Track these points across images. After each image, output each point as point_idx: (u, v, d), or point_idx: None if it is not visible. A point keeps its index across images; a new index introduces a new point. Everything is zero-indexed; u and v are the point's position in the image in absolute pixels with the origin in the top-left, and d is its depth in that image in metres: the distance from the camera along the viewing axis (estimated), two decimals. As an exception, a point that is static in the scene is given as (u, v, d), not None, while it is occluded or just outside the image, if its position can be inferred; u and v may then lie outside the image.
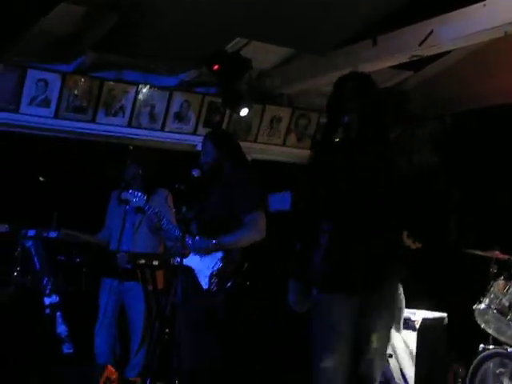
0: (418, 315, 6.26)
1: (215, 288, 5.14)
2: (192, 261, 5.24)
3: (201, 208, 5.30)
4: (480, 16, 5.52)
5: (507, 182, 7.40)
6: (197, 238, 5.23)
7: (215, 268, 5.18)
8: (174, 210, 5.89)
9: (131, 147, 6.96)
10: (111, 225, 6.29)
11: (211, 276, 5.17)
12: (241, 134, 7.73)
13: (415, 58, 6.33)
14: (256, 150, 7.95)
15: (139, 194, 5.60)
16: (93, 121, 6.94)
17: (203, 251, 5.16)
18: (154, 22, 6.17)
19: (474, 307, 6.02)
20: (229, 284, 5.14)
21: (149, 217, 5.59)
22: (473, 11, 5.60)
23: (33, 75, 6.50)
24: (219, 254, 5.18)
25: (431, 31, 5.87)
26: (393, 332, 6.22)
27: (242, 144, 7.37)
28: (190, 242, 5.19)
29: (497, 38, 5.87)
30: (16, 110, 6.57)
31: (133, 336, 6.18)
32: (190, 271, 5.21)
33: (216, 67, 6.76)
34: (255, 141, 7.92)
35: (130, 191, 5.65)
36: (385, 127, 4.12)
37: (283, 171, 8.50)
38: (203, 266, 5.21)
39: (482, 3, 5.48)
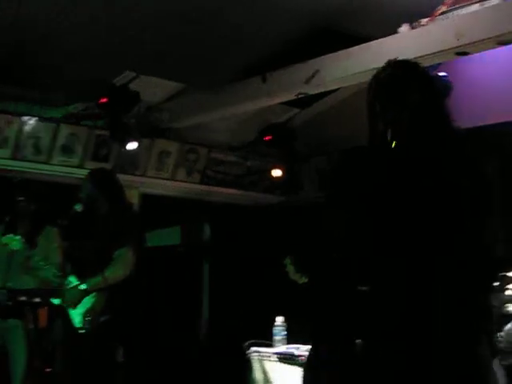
0: (303, 350, 6.29)
1: (88, 326, 5.11)
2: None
3: (78, 244, 5.29)
4: (363, 57, 5.68)
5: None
6: (71, 279, 5.23)
7: (88, 306, 5.15)
8: (58, 247, 5.79)
9: (16, 180, 6.77)
10: None
11: (84, 314, 5.14)
12: (129, 167, 7.66)
13: (302, 96, 6.43)
14: (144, 184, 7.89)
15: (17, 237, 5.53)
16: (-26, 152, 6.75)
17: (74, 302, 5.16)
18: (41, 54, 6.07)
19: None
20: (102, 320, 5.11)
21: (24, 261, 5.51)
22: (357, 52, 5.77)
23: None
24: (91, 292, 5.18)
25: (317, 70, 6.00)
26: (279, 367, 6.27)
27: (130, 178, 7.40)
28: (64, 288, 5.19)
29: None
30: None
31: (14, 375, 5.98)
32: (64, 310, 5.16)
33: (104, 100, 6.71)
34: (144, 175, 7.86)
35: (8, 236, 5.58)
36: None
37: (172, 206, 8.47)
38: None
39: (366, 44, 5.66)
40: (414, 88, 3.01)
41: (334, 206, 3.40)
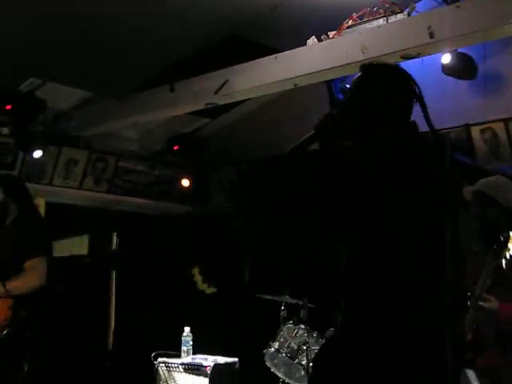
0: (210, 360, 6.29)
1: None
2: None
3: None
4: (272, 68, 5.74)
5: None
6: None
7: None
8: None
9: None
10: None
11: None
12: (34, 176, 7.50)
13: (211, 106, 6.45)
14: (51, 192, 7.74)
15: None
16: None
17: None
18: None
19: (264, 351, 6.14)
20: (4, 333, 4.97)
21: None
22: (265, 63, 5.82)
23: None
24: None
25: (226, 80, 6.02)
26: (186, 378, 6.25)
27: (36, 187, 7.26)
28: None
29: (289, 89, 6.12)
30: None
31: None
32: None
33: (8, 107, 6.56)
34: (50, 183, 7.71)
35: None
36: None
37: (79, 215, 8.35)
38: None
39: (274, 56, 5.72)
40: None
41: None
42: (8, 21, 5.57)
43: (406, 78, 3.00)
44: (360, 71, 3.05)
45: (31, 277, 5.08)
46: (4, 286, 4.99)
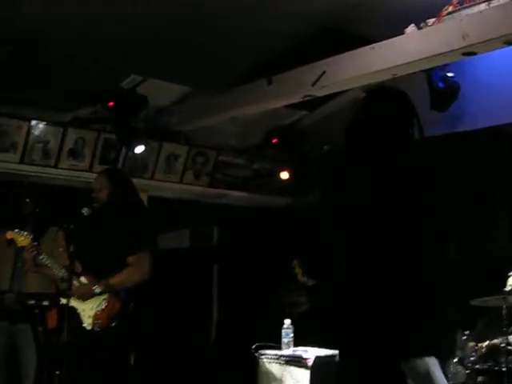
0: (311, 353, 6.28)
1: (99, 329, 5.09)
2: (76, 301, 5.17)
3: (87, 247, 5.26)
4: (369, 58, 5.67)
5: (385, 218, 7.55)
6: (82, 280, 5.21)
7: (99, 308, 5.13)
8: (62, 249, 5.79)
9: (26, 184, 6.80)
10: (2, 260, 6.11)
11: (94, 316, 5.12)
12: (137, 171, 7.67)
13: (308, 98, 6.43)
14: (153, 187, 7.89)
15: (25, 233, 5.51)
16: (-17, 157, 6.77)
17: (84, 297, 5.14)
18: (48, 58, 6.09)
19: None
20: (113, 324, 5.09)
21: (28, 255, 5.47)
22: (363, 53, 5.75)
23: None
24: (103, 294, 5.15)
25: (323, 72, 5.99)
26: (286, 370, 6.26)
27: (139, 181, 7.41)
28: (76, 284, 5.15)
29: (386, 79, 6.03)
30: None
31: (24, 379, 5.99)
32: (73, 311, 5.14)
33: (111, 104, 6.72)
34: (152, 178, 7.87)
35: (16, 230, 5.55)
36: None
37: (180, 208, 8.47)
38: (87, 307, 5.17)
39: (371, 46, 5.64)
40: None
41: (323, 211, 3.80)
42: (109, 20, 5.70)
43: (404, 98, 3.66)
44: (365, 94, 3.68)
45: (135, 272, 5.19)
46: (108, 281, 5.13)
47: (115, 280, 5.15)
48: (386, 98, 3.67)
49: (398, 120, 3.57)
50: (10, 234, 5.62)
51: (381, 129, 3.51)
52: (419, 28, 5.48)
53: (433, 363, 3.37)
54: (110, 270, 5.17)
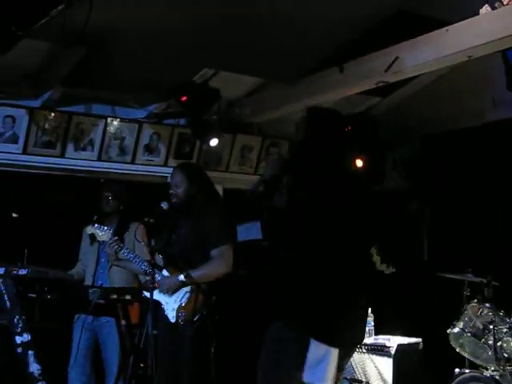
0: (393, 341, 6.24)
1: (183, 322, 5.13)
2: (159, 294, 5.23)
3: (169, 241, 5.30)
4: (443, 41, 5.57)
5: (477, 203, 7.45)
6: (164, 273, 5.26)
7: (183, 301, 5.17)
8: (144, 243, 5.86)
9: (102, 180, 6.92)
10: (85, 260, 6.24)
11: (178, 309, 5.16)
12: (212, 163, 7.73)
13: (381, 85, 6.35)
14: (227, 179, 7.93)
15: (105, 228, 5.61)
16: (62, 155, 6.90)
17: (170, 289, 5.18)
18: (121, 55, 6.17)
19: (448, 331, 6.01)
20: (197, 317, 5.12)
21: (110, 250, 5.55)
22: (436, 37, 5.65)
23: (0, 112, 6.48)
24: (187, 287, 5.18)
25: (396, 57, 5.90)
26: (368, 359, 6.23)
27: (213, 174, 7.44)
28: (158, 277, 5.20)
29: (462, 62, 5.92)
30: (-17, 147, 6.55)
31: (108, 373, 6.10)
32: (157, 305, 5.20)
33: (184, 98, 6.77)
34: (226, 170, 7.92)
35: (96, 225, 5.65)
36: None
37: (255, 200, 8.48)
38: (170, 300, 5.22)
39: (445, 28, 5.54)
40: None
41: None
42: (179, 15, 5.73)
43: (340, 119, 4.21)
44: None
45: (219, 264, 5.21)
46: (184, 277, 5.17)
47: (199, 273, 5.18)
48: (323, 118, 4.11)
49: (334, 138, 4.02)
50: (90, 230, 5.73)
51: (320, 147, 3.96)
52: (493, 8, 5.35)
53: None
54: (193, 264, 5.20)
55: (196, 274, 5.15)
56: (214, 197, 5.55)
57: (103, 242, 5.68)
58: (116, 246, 5.44)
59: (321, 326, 3.72)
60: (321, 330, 3.71)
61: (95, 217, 5.94)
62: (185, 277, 5.15)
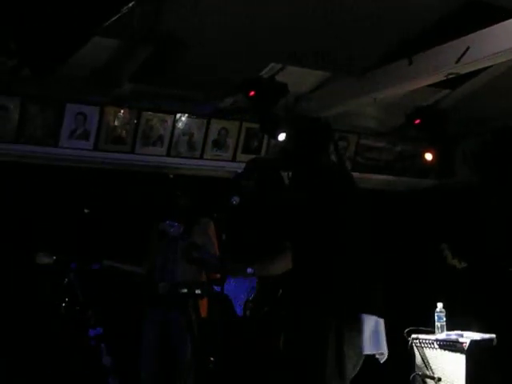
0: (466, 337, 6.14)
1: (250, 315, 5.16)
2: (227, 288, 5.25)
3: (240, 236, 5.32)
4: (516, 31, 5.46)
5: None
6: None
7: (250, 295, 5.20)
8: (215, 238, 5.90)
9: (171, 176, 6.99)
10: (155, 255, 6.30)
11: (246, 303, 5.19)
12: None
13: (452, 76, 6.25)
14: (295, 174, 7.90)
15: (175, 224, 5.65)
16: (132, 151, 6.98)
17: (235, 274, 5.21)
18: (189, 52, 6.21)
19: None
20: (264, 312, 5.15)
21: (184, 247, 5.59)
22: (508, 26, 5.54)
23: (71, 109, 6.58)
24: (254, 281, 5.21)
25: (467, 48, 5.81)
26: (440, 354, 6.14)
27: (281, 169, 7.41)
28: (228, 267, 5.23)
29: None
30: (55, 144, 6.65)
31: (178, 368, 6.14)
32: (226, 299, 5.22)
33: (252, 93, 6.78)
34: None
35: (167, 222, 5.70)
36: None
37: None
38: (238, 293, 5.24)
39: (520, 16, 5.43)
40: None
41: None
42: (244, 10, 5.74)
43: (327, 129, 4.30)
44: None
45: (286, 259, 5.22)
46: (273, 263, 5.19)
47: (268, 267, 5.18)
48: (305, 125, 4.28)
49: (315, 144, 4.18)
50: (161, 226, 5.79)
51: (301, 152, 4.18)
52: None
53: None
54: (264, 256, 5.21)
55: (264, 266, 5.18)
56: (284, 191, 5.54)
57: (173, 237, 5.72)
58: (186, 242, 5.50)
59: (367, 300, 3.92)
60: (368, 304, 3.92)
61: (164, 214, 6.01)
62: (253, 269, 5.16)
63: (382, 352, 3.96)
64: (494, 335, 6.30)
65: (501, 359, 6.33)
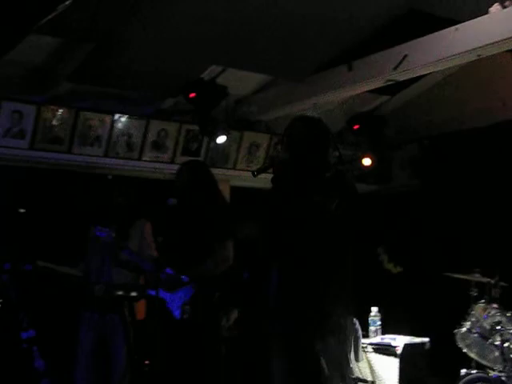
0: (399, 341, 6.22)
1: (188, 318, 5.16)
2: (162, 291, 5.25)
3: (173, 238, 5.34)
4: (453, 40, 5.54)
5: (485, 203, 7.42)
6: (168, 271, 5.29)
7: (187, 297, 5.21)
8: (151, 240, 5.87)
9: (110, 177, 6.91)
10: (91, 257, 6.23)
11: (183, 305, 5.19)
12: (219, 161, 7.71)
13: (390, 83, 6.33)
14: (235, 177, 7.92)
15: (107, 230, 5.62)
16: (69, 151, 6.88)
17: (172, 288, 5.22)
18: (129, 52, 6.16)
19: (455, 331, 5.99)
20: (201, 313, 5.16)
21: (116, 253, 5.59)
22: (445, 35, 5.63)
23: (7, 107, 6.46)
24: (190, 284, 5.23)
25: (405, 55, 5.88)
26: (374, 358, 6.21)
27: (221, 171, 7.44)
28: (163, 276, 5.23)
29: (471, 61, 5.89)
30: (-10, 143, 6.54)
31: (113, 370, 6.08)
32: (162, 302, 5.22)
33: (192, 95, 6.77)
34: (234, 168, 7.89)
35: (98, 228, 5.67)
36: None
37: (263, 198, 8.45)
38: (175, 297, 5.25)
39: (454, 27, 5.51)
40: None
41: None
42: (187, 11, 5.72)
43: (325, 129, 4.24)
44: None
45: (219, 260, 5.25)
46: (194, 271, 5.20)
47: (201, 269, 5.22)
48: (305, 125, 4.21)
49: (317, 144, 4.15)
50: (93, 233, 5.75)
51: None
52: (504, 7, 5.32)
53: None
54: (196, 261, 5.24)
55: (198, 270, 5.20)
56: (216, 194, 5.58)
57: (105, 243, 5.70)
58: (119, 248, 5.50)
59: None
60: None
61: (100, 218, 5.97)
62: (187, 276, 5.20)
63: None
64: (426, 339, 6.39)
65: (434, 362, 6.43)
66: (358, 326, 5.94)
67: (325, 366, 3.84)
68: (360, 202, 4.25)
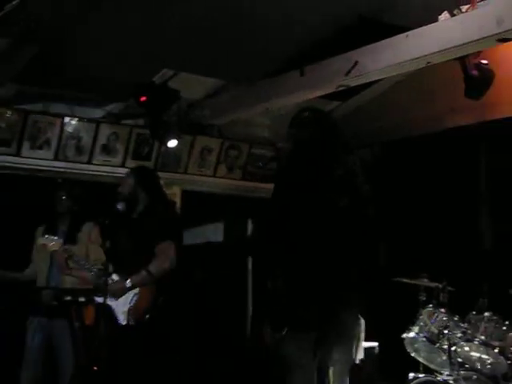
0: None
1: (133, 322, 5.15)
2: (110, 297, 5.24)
3: (118, 243, 5.34)
4: (403, 47, 5.60)
5: (434, 209, 7.50)
6: (114, 277, 5.28)
7: (132, 303, 5.20)
8: (98, 244, 5.84)
9: (60, 180, 6.83)
10: (38, 262, 6.15)
11: (128, 311, 5.18)
12: (170, 165, 7.68)
13: (342, 88, 6.36)
14: (186, 181, 7.90)
15: (55, 238, 5.60)
16: (17, 154, 6.79)
17: (117, 295, 5.21)
18: (78, 54, 6.10)
19: (403, 336, 6.04)
20: (146, 319, 5.15)
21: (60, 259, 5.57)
22: (396, 42, 5.68)
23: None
24: (135, 289, 5.22)
25: (356, 62, 5.93)
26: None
27: (172, 175, 7.41)
28: (109, 281, 5.23)
29: (421, 67, 5.95)
30: None
31: (61, 375, 6.02)
32: (108, 308, 5.20)
33: (143, 99, 6.72)
34: (185, 172, 7.86)
35: (46, 236, 5.64)
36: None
37: (214, 202, 8.45)
38: (119, 302, 5.24)
39: (405, 34, 5.57)
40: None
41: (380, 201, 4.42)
42: (138, 14, 5.68)
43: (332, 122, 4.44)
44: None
45: (160, 262, 5.27)
46: (147, 270, 5.18)
47: (143, 275, 5.23)
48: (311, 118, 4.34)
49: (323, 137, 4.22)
50: (40, 241, 5.71)
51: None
52: (453, 15, 5.39)
53: None
54: (139, 265, 5.24)
55: (140, 276, 5.21)
56: (159, 197, 5.60)
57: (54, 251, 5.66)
58: (65, 256, 5.49)
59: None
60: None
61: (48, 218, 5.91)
62: (131, 281, 5.20)
63: None
64: (375, 344, 6.43)
65: (382, 367, 6.47)
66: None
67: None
68: (370, 202, 4.28)
